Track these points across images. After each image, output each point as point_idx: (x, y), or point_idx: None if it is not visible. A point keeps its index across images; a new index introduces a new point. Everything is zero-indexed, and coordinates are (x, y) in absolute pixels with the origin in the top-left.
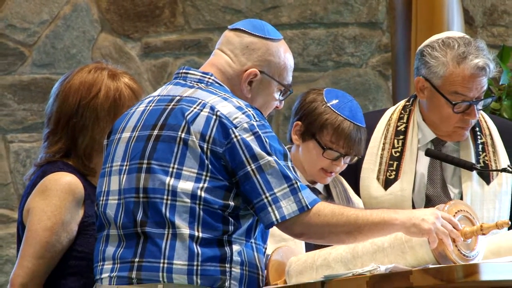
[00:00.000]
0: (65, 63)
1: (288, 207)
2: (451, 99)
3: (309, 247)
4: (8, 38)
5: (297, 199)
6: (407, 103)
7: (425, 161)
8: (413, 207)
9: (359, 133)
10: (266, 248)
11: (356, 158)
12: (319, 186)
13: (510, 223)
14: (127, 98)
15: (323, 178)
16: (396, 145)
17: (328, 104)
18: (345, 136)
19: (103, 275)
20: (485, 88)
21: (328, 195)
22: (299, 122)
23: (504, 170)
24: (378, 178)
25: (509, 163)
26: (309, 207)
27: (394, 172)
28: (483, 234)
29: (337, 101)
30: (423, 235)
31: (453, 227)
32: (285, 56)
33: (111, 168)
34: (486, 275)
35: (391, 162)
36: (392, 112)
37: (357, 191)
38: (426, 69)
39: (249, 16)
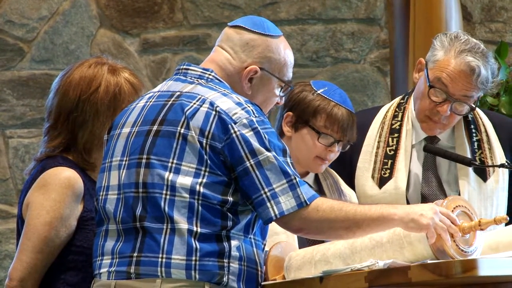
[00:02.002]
0: (64, 59)
1: (286, 202)
2: (432, 83)
3: (301, 241)
4: (7, 34)
5: (296, 194)
6: (402, 101)
7: (419, 159)
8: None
9: (351, 118)
10: (265, 244)
11: (349, 145)
12: (309, 179)
13: (508, 218)
14: (127, 93)
15: (318, 166)
16: (390, 143)
17: (318, 92)
18: (339, 121)
19: (102, 270)
20: (470, 95)
21: (318, 188)
22: (290, 113)
23: (502, 165)
24: (373, 177)
25: (506, 159)
26: (308, 203)
27: (388, 171)
28: (481, 229)
29: (325, 88)
30: (421, 230)
31: (452, 222)
32: (285, 52)
33: (110, 163)
34: (484, 271)
35: (386, 160)
36: (386, 110)
37: (352, 189)
38: (430, 52)
39: (247, 12)
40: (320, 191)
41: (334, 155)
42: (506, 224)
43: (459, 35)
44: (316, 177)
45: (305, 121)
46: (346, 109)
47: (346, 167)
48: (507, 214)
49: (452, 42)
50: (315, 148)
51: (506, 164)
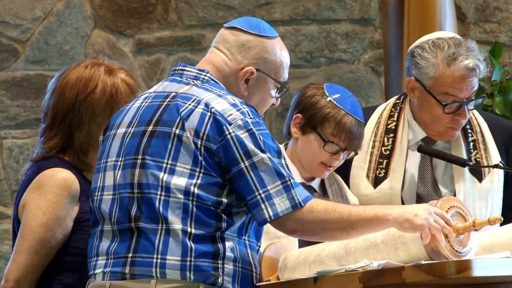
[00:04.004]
0: (58, 59)
1: (281, 204)
2: (442, 99)
3: (302, 244)
4: (1, 35)
5: (290, 196)
6: (398, 101)
7: (415, 159)
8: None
9: (360, 128)
10: (259, 246)
11: (353, 154)
12: (315, 184)
13: (502, 219)
14: (124, 94)
15: (322, 172)
16: (386, 143)
17: (330, 98)
18: (347, 130)
19: (97, 271)
20: (475, 88)
21: (323, 194)
22: (300, 115)
23: (496, 166)
24: (368, 176)
25: (500, 160)
26: (302, 204)
27: (383, 170)
28: (476, 230)
29: (338, 95)
30: (416, 231)
31: (446, 223)
32: (281, 53)
33: (106, 164)
34: (478, 271)
35: (381, 160)
36: (382, 110)
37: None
38: (417, 70)
39: (241, 13)
40: (325, 197)
41: (338, 162)
42: (501, 225)
43: (436, 43)
44: (322, 182)
45: (313, 127)
46: (355, 118)
47: (341, 166)
48: (502, 214)
49: (435, 54)
50: (320, 155)
51: (500, 164)
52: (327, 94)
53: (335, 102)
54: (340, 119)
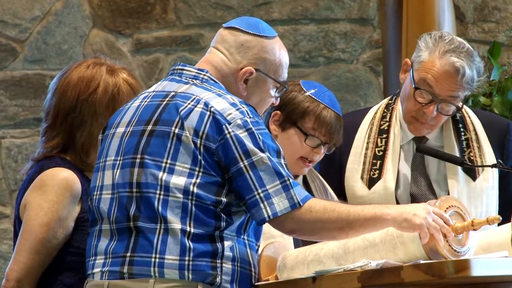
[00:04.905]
0: (56, 59)
1: (280, 203)
2: (417, 83)
3: (297, 243)
4: (0, 34)
5: (289, 195)
6: (390, 101)
7: (408, 159)
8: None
9: (339, 122)
10: (259, 245)
11: (334, 148)
12: (298, 181)
13: (501, 218)
14: (126, 94)
15: (302, 168)
16: (379, 144)
17: (308, 93)
18: (327, 124)
19: (95, 270)
20: (457, 96)
21: (307, 190)
22: (278, 112)
23: (494, 166)
24: (362, 178)
25: (495, 159)
26: (301, 204)
27: (377, 171)
28: (474, 229)
29: (315, 90)
30: (414, 230)
31: (444, 223)
32: (280, 53)
33: (105, 163)
34: (476, 271)
35: (375, 161)
36: (375, 111)
37: (342, 191)
38: (415, 53)
39: (240, 12)
40: (309, 193)
41: (319, 157)
42: (499, 224)
43: (444, 35)
44: (305, 179)
45: (293, 122)
46: (334, 112)
47: (335, 169)
48: (498, 212)
49: (437, 42)
50: (301, 149)
51: (499, 164)
52: (304, 89)
53: (313, 97)
54: (319, 113)
